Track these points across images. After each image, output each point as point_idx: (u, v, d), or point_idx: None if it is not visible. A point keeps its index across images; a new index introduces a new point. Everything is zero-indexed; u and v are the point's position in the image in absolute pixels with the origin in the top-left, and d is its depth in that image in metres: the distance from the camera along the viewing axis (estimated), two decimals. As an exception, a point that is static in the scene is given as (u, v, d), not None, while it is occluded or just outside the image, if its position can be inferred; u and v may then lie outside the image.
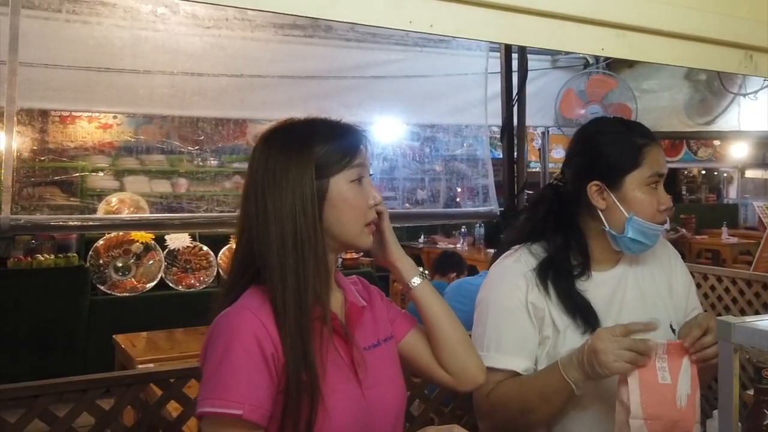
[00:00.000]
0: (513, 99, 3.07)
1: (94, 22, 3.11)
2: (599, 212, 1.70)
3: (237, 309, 1.31)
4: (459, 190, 7.87)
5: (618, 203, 1.67)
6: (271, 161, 1.35)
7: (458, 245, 8.01)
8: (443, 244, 8.20)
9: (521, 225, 1.90)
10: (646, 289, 1.78)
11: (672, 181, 12.67)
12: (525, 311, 1.68)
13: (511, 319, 1.68)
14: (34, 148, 5.45)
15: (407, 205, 6.96)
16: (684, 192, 12.47)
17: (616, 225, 1.68)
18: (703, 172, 12.89)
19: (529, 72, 4.43)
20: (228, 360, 1.24)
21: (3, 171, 2.28)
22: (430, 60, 3.76)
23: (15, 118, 2.38)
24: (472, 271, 5.81)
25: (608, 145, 1.70)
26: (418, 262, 8.29)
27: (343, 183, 1.37)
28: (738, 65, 1.98)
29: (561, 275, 1.71)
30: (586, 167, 1.73)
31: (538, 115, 4.98)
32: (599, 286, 1.73)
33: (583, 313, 1.67)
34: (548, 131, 6.53)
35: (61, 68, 3.12)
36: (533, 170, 8.04)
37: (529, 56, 4.50)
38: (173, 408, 2.34)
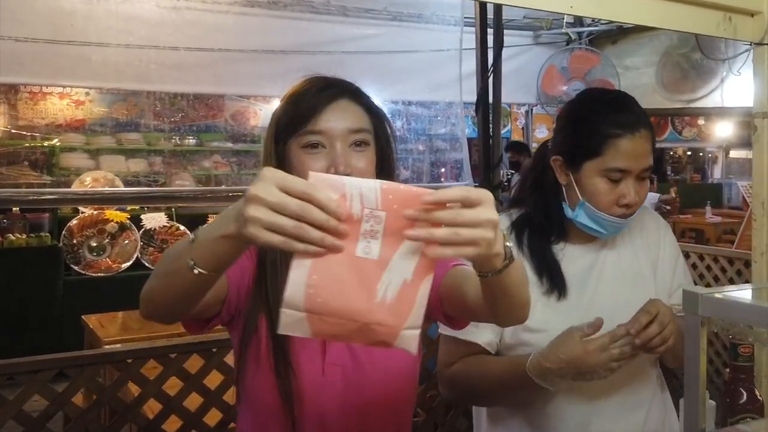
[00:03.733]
0: (488, 73, 3.00)
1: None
2: (562, 186, 1.63)
3: None
4: (443, 170, 7.81)
5: (574, 185, 1.59)
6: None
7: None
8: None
9: (515, 188, 1.85)
10: (626, 267, 1.70)
11: (658, 160, 12.65)
12: None
13: None
14: (4, 125, 5.35)
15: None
16: (669, 172, 12.47)
17: (572, 205, 1.62)
18: (689, 152, 12.89)
19: (510, 48, 4.36)
20: None
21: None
22: (406, 35, 3.68)
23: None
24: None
25: (579, 124, 1.61)
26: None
27: (295, 148, 1.26)
28: (716, 28, 1.89)
29: (535, 232, 1.64)
30: (557, 138, 1.67)
31: (520, 91, 4.95)
32: (576, 260, 1.66)
33: (551, 274, 1.61)
34: (532, 110, 6.49)
35: (25, 41, 3.03)
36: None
37: (511, 32, 4.44)
38: (135, 390, 2.28)
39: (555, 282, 1.60)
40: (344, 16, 3.61)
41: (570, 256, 1.66)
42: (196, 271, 0.95)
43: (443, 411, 2.74)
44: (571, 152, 1.59)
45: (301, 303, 0.89)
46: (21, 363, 2.05)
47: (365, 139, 1.28)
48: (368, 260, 0.91)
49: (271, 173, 0.87)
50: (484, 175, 3.07)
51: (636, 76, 4.89)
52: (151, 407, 2.28)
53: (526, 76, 4.83)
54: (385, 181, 0.91)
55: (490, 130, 3.00)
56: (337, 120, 1.25)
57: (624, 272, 1.69)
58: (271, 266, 1.27)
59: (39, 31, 3.05)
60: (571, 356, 1.42)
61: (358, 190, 0.89)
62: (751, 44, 2.00)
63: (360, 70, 3.56)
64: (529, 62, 4.84)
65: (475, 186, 3.29)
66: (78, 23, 3.11)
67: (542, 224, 1.65)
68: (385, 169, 1.34)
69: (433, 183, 6.61)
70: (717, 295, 1.11)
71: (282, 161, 1.28)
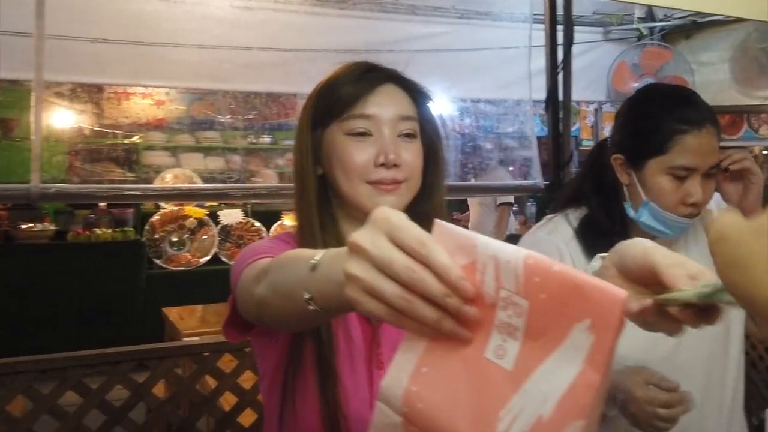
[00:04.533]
0: (557, 70, 3.01)
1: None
2: (623, 186, 1.58)
3: (250, 246, 1.23)
4: (511, 168, 7.79)
5: (637, 184, 1.53)
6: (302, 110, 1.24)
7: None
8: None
9: (567, 189, 1.78)
10: None
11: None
12: None
13: None
14: (90, 124, 5.62)
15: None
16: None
17: (635, 205, 1.56)
18: (765, 151, 12.42)
19: (580, 45, 4.32)
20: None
21: (32, 140, 2.34)
22: (474, 32, 3.70)
23: (42, 89, 2.43)
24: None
25: (642, 120, 1.54)
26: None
27: (337, 134, 1.17)
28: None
29: (600, 236, 1.55)
30: (618, 135, 1.61)
31: (590, 89, 4.89)
32: None
33: None
34: (601, 108, 6.40)
35: (110, 43, 3.18)
36: (586, 148, 7.89)
37: (580, 28, 4.39)
38: (213, 383, 2.34)
39: None
40: (413, 14, 3.66)
41: None
42: (311, 307, 0.78)
43: None
44: (634, 150, 1.54)
45: (399, 402, 0.65)
46: (103, 354, 2.14)
47: (414, 130, 1.20)
48: (498, 367, 0.63)
49: (385, 214, 0.65)
50: (554, 173, 3.07)
51: (711, 72, 4.78)
52: (228, 400, 2.33)
53: (596, 73, 4.76)
54: (530, 253, 0.63)
55: (560, 128, 3.00)
56: (387, 105, 1.16)
57: None
58: None
59: (121, 32, 3.16)
60: (624, 389, 1.36)
61: (494, 260, 0.63)
62: None
63: (428, 68, 3.61)
64: (599, 59, 4.78)
65: (545, 184, 3.32)
66: (157, 24, 3.21)
67: (607, 226, 1.58)
68: (434, 168, 1.25)
69: (507, 182, 6.61)
70: None
71: (319, 149, 1.19)
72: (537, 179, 3.22)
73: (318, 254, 0.78)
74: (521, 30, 3.43)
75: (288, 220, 5.67)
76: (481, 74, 3.83)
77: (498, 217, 5.88)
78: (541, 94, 3.38)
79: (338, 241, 1.16)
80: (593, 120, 7.13)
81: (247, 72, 3.53)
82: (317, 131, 1.19)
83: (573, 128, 6.93)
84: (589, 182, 1.65)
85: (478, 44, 3.69)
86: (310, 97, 1.22)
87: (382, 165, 1.15)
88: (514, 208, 8.45)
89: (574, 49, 4.22)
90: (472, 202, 6.16)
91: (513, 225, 7.05)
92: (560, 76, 3.10)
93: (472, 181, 6.82)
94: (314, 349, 1.14)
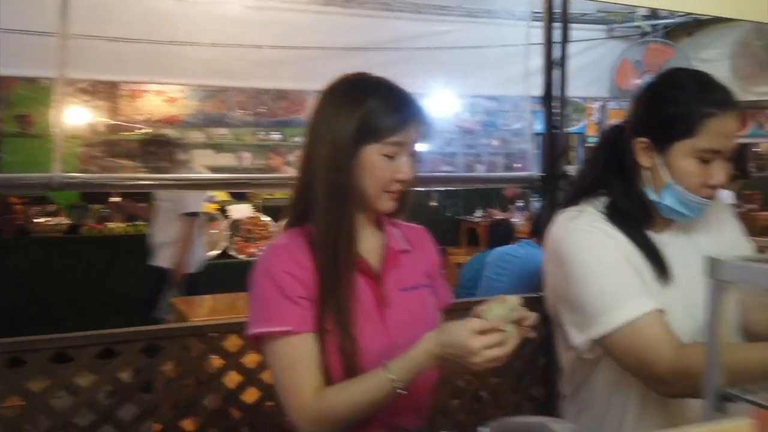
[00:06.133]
0: (553, 67, 3.10)
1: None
2: (642, 170, 1.60)
3: (268, 248, 1.53)
4: (519, 165, 7.86)
5: (662, 167, 1.56)
6: (326, 110, 1.49)
7: (514, 219, 8.02)
8: (500, 217, 8.21)
9: (580, 176, 1.82)
10: (709, 250, 1.58)
11: (741, 156, 12.21)
12: (627, 262, 1.55)
13: (620, 269, 1.54)
14: (106, 120, 5.74)
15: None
16: (753, 168, 12.04)
17: (657, 188, 1.58)
18: (780, 148, 12.41)
19: (584, 42, 4.38)
20: (262, 291, 1.46)
21: (55, 133, 2.47)
22: (475, 30, 3.78)
23: (64, 86, 2.55)
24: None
25: (668, 103, 1.55)
26: (474, 235, 8.35)
27: (375, 154, 1.45)
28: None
29: (630, 218, 1.60)
30: (641, 119, 1.62)
31: (593, 86, 4.93)
32: (665, 246, 1.61)
33: (656, 259, 1.57)
34: (606, 105, 6.46)
35: (125, 42, 3.27)
36: (591, 145, 7.97)
37: (584, 26, 4.44)
38: (219, 363, 2.41)
39: (662, 268, 1.56)
40: (417, 13, 3.73)
41: (659, 243, 1.61)
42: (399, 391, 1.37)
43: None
44: (660, 133, 1.55)
45: None
46: (117, 333, 2.25)
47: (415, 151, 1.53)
48: None
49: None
50: (549, 166, 3.17)
51: (712, 68, 4.74)
52: (232, 378, 2.41)
53: (600, 70, 4.79)
54: None
55: (555, 123, 3.11)
56: (414, 136, 1.49)
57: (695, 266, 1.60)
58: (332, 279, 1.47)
59: (139, 31, 3.24)
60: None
61: None
62: None
63: (430, 65, 3.69)
64: (603, 56, 4.81)
65: (541, 176, 3.42)
66: (173, 23, 3.28)
67: (632, 210, 1.61)
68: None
69: (504, 172, 6.58)
70: (739, 262, 1.15)
71: (353, 160, 1.46)
72: (534, 171, 3.32)
73: (386, 374, 1.37)
74: (520, 28, 3.51)
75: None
76: (482, 71, 3.89)
77: (180, 229, 4.99)
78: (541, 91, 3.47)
79: (353, 231, 1.49)
80: (598, 117, 7.20)
81: (258, 69, 3.60)
82: (358, 146, 1.45)
83: (579, 125, 7.00)
84: (608, 168, 1.66)
85: (479, 42, 3.76)
86: (349, 112, 1.46)
87: (400, 180, 1.49)
88: (519, 203, 8.52)
89: (577, 46, 4.29)
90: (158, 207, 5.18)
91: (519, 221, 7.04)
92: (557, 73, 3.19)
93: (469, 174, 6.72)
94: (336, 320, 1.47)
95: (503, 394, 2.69)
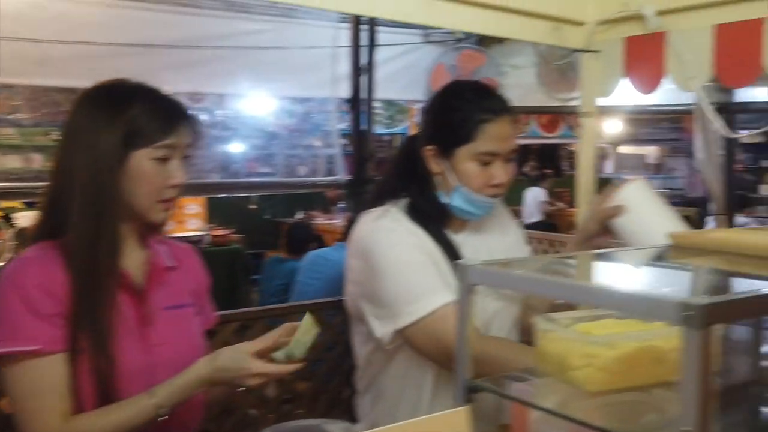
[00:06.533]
0: (361, 71, 3.04)
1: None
2: (434, 175, 1.73)
3: (16, 260, 1.41)
4: (321, 165, 7.82)
5: (448, 171, 1.70)
6: (85, 118, 1.40)
7: (335, 221, 7.95)
8: (321, 219, 8.11)
9: (382, 181, 1.96)
10: (498, 252, 1.81)
11: (553, 155, 13.15)
12: (428, 258, 1.69)
13: (422, 265, 1.67)
14: None
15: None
16: (565, 167, 12.88)
17: (446, 191, 1.73)
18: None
19: (403, 46, 4.37)
20: (7, 307, 1.34)
21: None
22: (285, 31, 3.64)
23: None
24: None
25: (450, 112, 1.71)
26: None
27: (145, 159, 1.39)
28: (548, 36, 2.11)
29: (429, 218, 1.74)
30: (428, 128, 1.76)
31: (411, 88, 4.97)
32: (461, 245, 1.75)
33: (454, 255, 1.69)
34: (425, 107, 6.55)
35: None
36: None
37: (401, 30, 4.45)
38: None
39: None
40: (225, 11, 3.55)
41: (456, 241, 1.76)
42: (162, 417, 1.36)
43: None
44: (444, 140, 1.70)
45: None
46: None
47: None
48: None
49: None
50: (357, 170, 3.14)
51: (521, 74, 4.99)
52: None
53: (417, 73, 4.84)
54: None
55: (362, 128, 3.07)
56: (186, 137, 1.44)
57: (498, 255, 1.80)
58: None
59: None
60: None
61: None
62: (576, 51, 2.23)
63: (237, 65, 3.52)
64: (420, 60, 4.86)
65: (347, 181, 3.36)
66: None
67: (430, 211, 1.74)
68: None
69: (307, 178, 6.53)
70: (482, 266, 1.20)
71: (116, 168, 1.39)
72: (339, 175, 3.29)
73: (150, 400, 1.35)
74: (329, 30, 3.42)
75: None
76: (291, 72, 3.78)
77: None
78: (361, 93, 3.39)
79: (115, 244, 1.42)
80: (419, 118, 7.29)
81: (37, 67, 3.29)
82: (126, 152, 1.38)
83: (401, 126, 7.04)
84: (405, 175, 1.79)
85: (289, 43, 3.64)
86: (111, 118, 1.38)
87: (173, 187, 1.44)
88: (341, 204, 8.43)
89: (395, 50, 4.28)
90: None
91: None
92: (365, 77, 3.16)
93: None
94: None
95: (312, 397, 2.64)
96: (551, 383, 1.17)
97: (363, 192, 3.15)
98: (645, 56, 2.15)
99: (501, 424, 1.64)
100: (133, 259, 1.48)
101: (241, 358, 1.36)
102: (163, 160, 1.40)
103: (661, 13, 2.05)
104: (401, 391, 1.76)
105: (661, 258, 1.42)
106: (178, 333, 1.50)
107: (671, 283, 1.33)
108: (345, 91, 3.27)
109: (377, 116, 5.67)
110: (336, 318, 2.41)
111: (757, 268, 1.25)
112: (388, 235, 1.69)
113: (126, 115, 1.38)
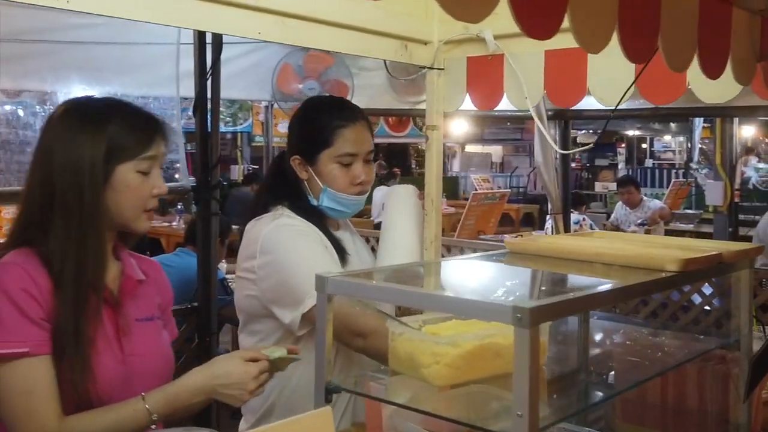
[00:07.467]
0: (207, 73, 2.94)
1: None
2: (304, 182, 1.94)
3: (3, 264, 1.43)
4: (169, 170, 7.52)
5: (315, 176, 1.91)
6: (62, 137, 1.45)
7: (174, 223, 7.65)
8: (158, 221, 7.73)
9: (259, 193, 2.14)
10: (366, 252, 2.11)
11: (402, 154, 13.43)
12: (325, 249, 1.89)
13: (322, 253, 1.87)
14: None
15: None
16: (414, 165, 13.17)
17: (316, 194, 1.93)
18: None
19: (248, 44, 4.24)
20: None
21: None
22: (123, 26, 3.42)
23: None
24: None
25: (310, 123, 1.94)
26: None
27: (130, 172, 1.47)
28: (396, 54, 2.24)
29: (314, 218, 1.93)
30: (293, 140, 1.99)
31: (257, 87, 4.90)
32: (340, 240, 1.96)
33: (339, 247, 1.92)
34: (272, 105, 6.45)
35: None
36: (258, 144, 7.91)
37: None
38: None
39: (343, 254, 1.92)
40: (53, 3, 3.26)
41: (337, 237, 1.97)
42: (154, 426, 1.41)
43: None
44: (308, 148, 1.91)
45: None
46: None
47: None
48: None
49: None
50: (202, 175, 3.04)
51: (370, 76, 5.00)
52: None
53: (263, 73, 4.75)
54: None
55: (208, 131, 2.98)
56: (163, 147, 1.54)
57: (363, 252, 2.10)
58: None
59: None
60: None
61: None
62: (424, 68, 2.37)
63: (69, 62, 3.28)
64: (266, 59, 4.75)
65: (192, 187, 3.22)
66: None
67: (306, 216, 1.92)
68: None
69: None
70: (339, 277, 1.32)
71: (101, 183, 1.47)
72: (183, 181, 3.18)
73: (143, 404, 1.41)
74: (171, 27, 3.25)
75: None
76: (130, 70, 3.57)
77: None
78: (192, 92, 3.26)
79: (104, 256, 1.50)
80: (264, 117, 7.16)
81: None
82: (111, 167, 1.46)
83: (245, 124, 6.90)
84: (278, 186, 1.98)
85: (128, 39, 3.43)
86: (92, 135, 1.46)
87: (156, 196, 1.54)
88: (179, 207, 8.09)
89: (241, 48, 4.16)
90: None
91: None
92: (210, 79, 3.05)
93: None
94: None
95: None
96: (404, 381, 1.30)
97: (209, 198, 3.08)
98: (486, 75, 2.34)
99: (355, 422, 1.86)
100: (110, 271, 1.54)
101: (240, 363, 1.46)
102: (146, 171, 1.49)
103: (498, 37, 2.20)
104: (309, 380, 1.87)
105: (500, 263, 1.64)
106: (152, 344, 1.57)
107: (507, 287, 1.48)
108: (188, 89, 3.15)
109: (223, 114, 5.50)
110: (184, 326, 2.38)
111: (579, 270, 1.49)
112: (291, 230, 1.87)
113: (106, 132, 1.46)
